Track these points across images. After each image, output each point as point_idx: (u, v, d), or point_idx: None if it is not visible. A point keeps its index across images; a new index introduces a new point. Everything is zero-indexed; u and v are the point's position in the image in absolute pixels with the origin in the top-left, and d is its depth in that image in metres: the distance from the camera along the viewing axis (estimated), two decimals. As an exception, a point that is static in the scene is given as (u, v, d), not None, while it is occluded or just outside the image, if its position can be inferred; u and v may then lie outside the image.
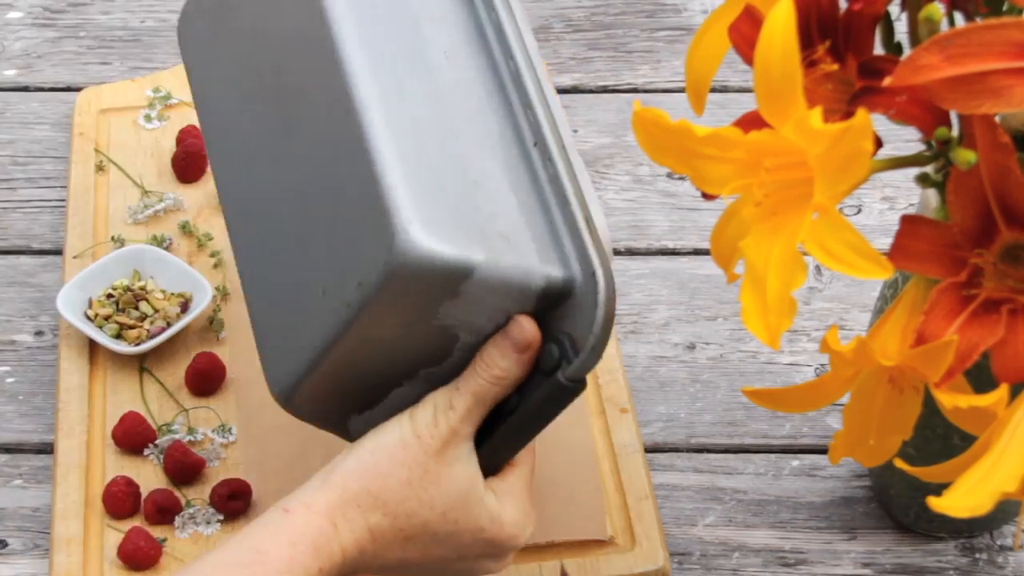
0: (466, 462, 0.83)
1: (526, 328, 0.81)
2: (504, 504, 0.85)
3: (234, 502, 0.99)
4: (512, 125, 0.86)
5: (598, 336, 0.80)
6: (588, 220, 0.82)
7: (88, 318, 1.10)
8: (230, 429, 1.05)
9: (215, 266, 1.14)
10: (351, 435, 0.88)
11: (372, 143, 0.80)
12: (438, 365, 0.84)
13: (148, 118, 1.26)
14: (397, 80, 0.84)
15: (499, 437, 0.85)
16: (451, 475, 0.82)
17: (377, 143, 0.80)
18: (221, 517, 0.99)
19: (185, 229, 1.17)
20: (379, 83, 0.83)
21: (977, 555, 1.01)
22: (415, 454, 0.82)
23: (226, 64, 0.93)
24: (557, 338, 0.82)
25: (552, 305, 0.82)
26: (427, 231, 0.77)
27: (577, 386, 0.82)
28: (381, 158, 0.80)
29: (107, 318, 1.09)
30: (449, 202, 0.81)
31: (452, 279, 0.79)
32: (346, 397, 0.87)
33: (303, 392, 0.86)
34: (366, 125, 0.81)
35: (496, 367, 0.82)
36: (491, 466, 0.86)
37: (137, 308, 1.10)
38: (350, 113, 0.81)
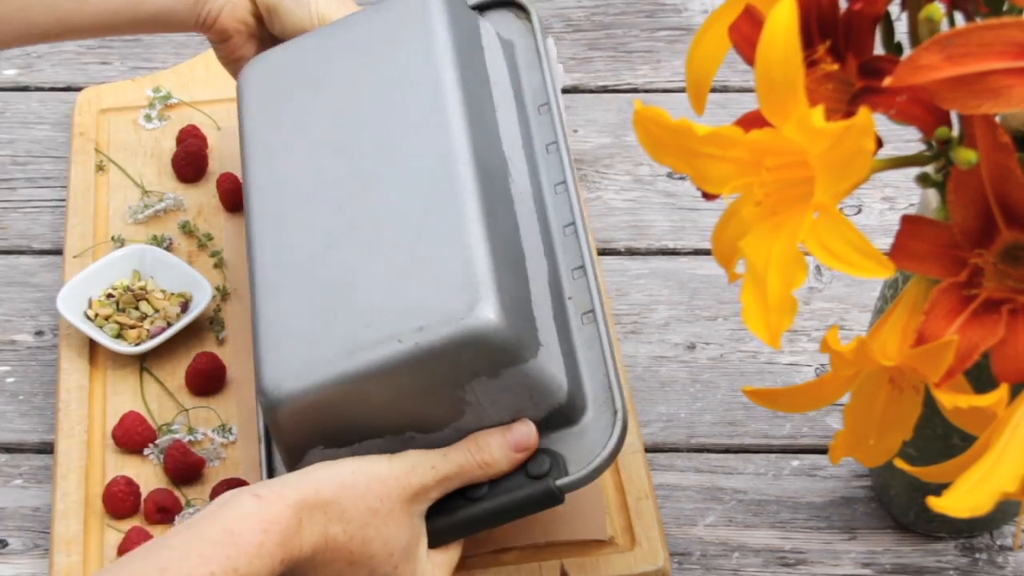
0: (420, 520, 0.88)
1: (530, 432, 0.88)
2: (435, 574, 0.89)
3: (234, 502, 0.99)
4: (549, 244, 0.95)
5: (604, 460, 0.88)
6: (615, 361, 0.90)
7: (88, 318, 1.10)
8: (230, 429, 1.05)
9: (215, 266, 1.14)
10: (301, 464, 0.89)
11: (470, 213, 0.88)
12: (427, 433, 0.88)
13: (148, 118, 1.26)
14: (491, 158, 0.93)
15: (462, 518, 0.89)
16: (410, 524, 0.87)
17: (474, 214, 0.88)
18: (221, 517, 0.99)
19: (185, 229, 1.17)
20: (480, 161, 0.91)
21: (977, 555, 1.01)
22: (390, 491, 0.85)
23: (294, 113, 0.98)
24: (548, 451, 0.88)
25: (553, 423, 0.89)
26: (503, 309, 0.85)
27: (560, 497, 0.88)
28: (477, 229, 0.87)
29: (107, 318, 1.10)
30: (516, 292, 0.88)
31: (503, 360, 0.85)
32: (327, 427, 0.88)
33: (297, 404, 0.87)
34: (468, 195, 0.89)
35: (488, 454, 0.88)
36: (439, 539, 0.89)
37: (137, 308, 1.10)
38: (454, 180, 0.89)
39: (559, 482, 0.88)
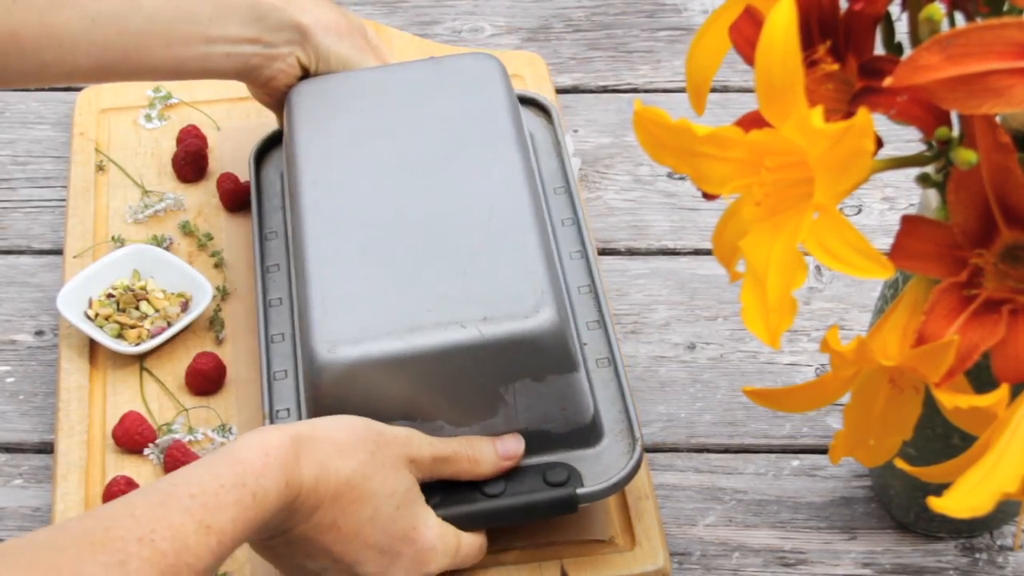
0: (414, 480, 0.90)
1: (519, 446, 0.94)
2: (441, 525, 0.91)
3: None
4: (569, 299, 1.02)
5: (623, 477, 0.93)
6: (632, 399, 0.97)
7: (88, 318, 1.10)
8: (230, 429, 1.05)
9: (215, 266, 1.14)
10: None
11: (529, 233, 0.96)
12: (456, 427, 0.93)
13: (148, 118, 1.26)
14: (540, 197, 1.02)
15: (479, 509, 0.92)
16: (407, 477, 0.89)
17: (532, 234, 0.96)
18: (221, 517, 0.99)
19: (185, 229, 1.17)
20: (533, 193, 1.00)
21: (977, 555, 1.01)
22: (388, 445, 0.88)
23: (350, 126, 1.04)
24: (566, 464, 0.94)
25: (573, 442, 0.95)
26: (560, 318, 0.91)
27: (575, 505, 0.93)
28: (535, 247, 0.95)
29: (107, 318, 1.10)
30: (565, 312, 0.95)
31: (553, 366, 0.92)
32: (368, 400, 0.91)
33: (347, 370, 0.89)
34: (527, 216, 0.97)
35: (479, 452, 0.92)
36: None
37: (137, 308, 1.10)
38: (516, 199, 0.98)
39: (580, 491, 0.92)
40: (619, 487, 0.94)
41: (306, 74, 1.09)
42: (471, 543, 0.93)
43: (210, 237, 1.16)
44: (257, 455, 0.81)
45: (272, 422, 0.96)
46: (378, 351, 0.90)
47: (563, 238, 1.07)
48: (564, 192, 1.10)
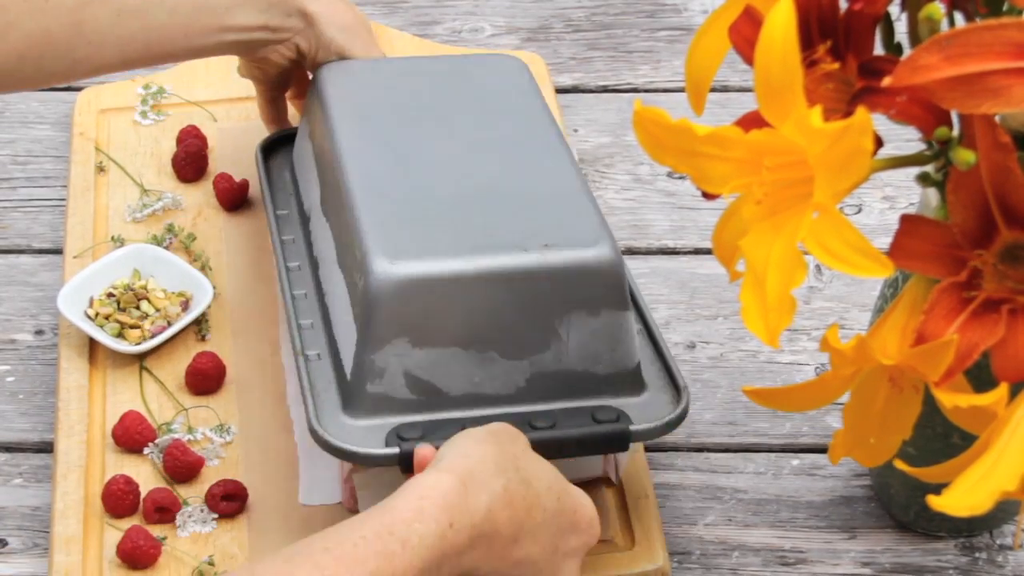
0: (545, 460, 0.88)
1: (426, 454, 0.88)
2: (584, 494, 0.88)
3: (228, 503, 0.99)
4: None
5: (674, 417, 0.94)
6: (672, 357, 0.98)
7: (88, 317, 1.10)
8: (229, 429, 1.05)
9: (201, 268, 1.14)
10: (376, 356, 0.91)
11: (580, 187, 0.98)
12: (507, 359, 0.92)
13: (144, 114, 1.26)
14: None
15: (533, 439, 0.89)
16: (541, 460, 0.87)
17: (583, 188, 0.98)
18: (216, 516, 0.99)
19: (171, 230, 1.16)
20: (574, 162, 1.02)
21: (977, 554, 1.01)
22: (515, 435, 0.87)
23: (385, 98, 1.06)
24: (614, 407, 0.94)
25: (619, 388, 0.95)
26: (615, 254, 0.93)
27: (627, 443, 0.93)
28: (586, 197, 0.97)
29: (107, 317, 1.10)
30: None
31: (609, 299, 0.92)
32: (424, 320, 0.90)
33: (407, 285, 0.89)
34: (575, 172, 0.99)
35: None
36: None
37: (138, 307, 1.10)
38: (560, 159, 1.00)
39: (632, 427, 0.92)
40: (671, 427, 0.93)
41: (302, 59, 1.11)
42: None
43: (193, 238, 1.16)
44: (411, 501, 0.79)
45: (304, 361, 0.96)
46: (441, 268, 0.90)
47: None
48: None
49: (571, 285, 0.92)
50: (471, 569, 0.81)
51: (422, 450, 0.87)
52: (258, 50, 1.10)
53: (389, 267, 0.89)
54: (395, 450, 0.89)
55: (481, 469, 0.82)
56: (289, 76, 1.14)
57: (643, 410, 0.94)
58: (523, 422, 0.91)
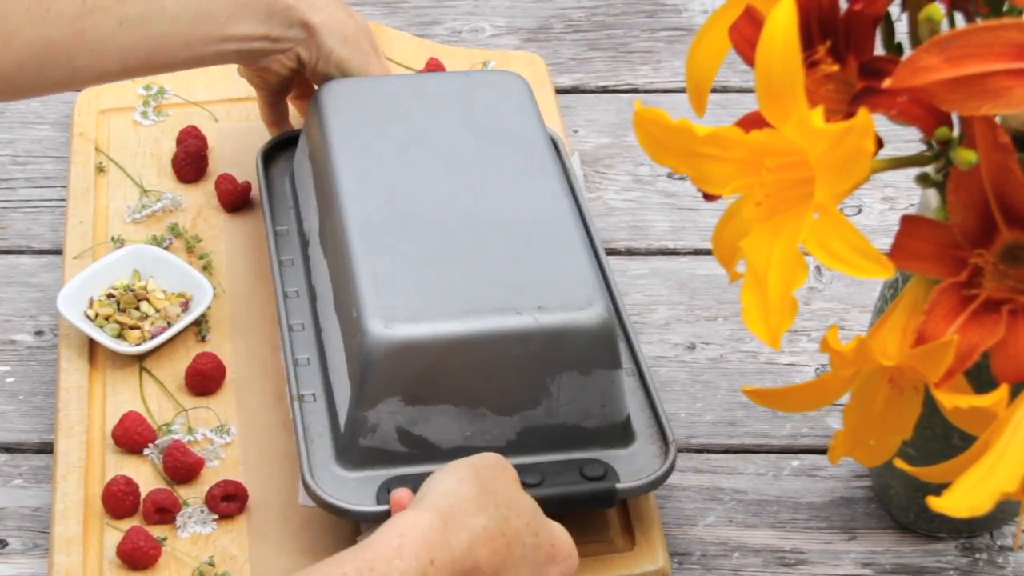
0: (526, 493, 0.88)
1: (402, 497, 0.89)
2: (560, 526, 0.89)
3: (228, 504, 0.99)
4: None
5: (660, 475, 0.95)
6: (662, 405, 0.99)
7: (88, 318, 1.10)
8: (229, 429, 1.05)
9: (204, 268, 1.14)
10: (368, 414, 0.92)
11: (575, 232, 0.98)
12: (497, 415, 0.94)
13: (144, 115, 1.26)
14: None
15: None
16: (521, 494, 0.88)
17: (578, 234, 0.98)
18: (216, 517, 0.99)
19: (175, 231, 1.16)
20: (571, 197, 1.03)
21: (977, 555, 1.01)
22: (493, 469, 0.87)
23: (384, 125, 1.06)
24: (602, 461, 0.95)
25: (607, 440, 0.96)
26: (608, 314, 0.93)
27: (613, 500, 0.94)
28: (581, 246, 0.97)
29: (107, 318, 1.09)
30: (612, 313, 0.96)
31: (600, 360, 0.93)
32: (418, 379, 0.92)
33: (402, 346, 0.91)
34: (571, 217, 0.99)
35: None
36: None
37: (138, 308, 1.10)
38: (557, 202, 1.00)
39: (619, 485, 0.94)
40: (656, 484, 0.95)
41: (302, 68, 1.11)
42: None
43: (198, 239, 1.16)
44: (392, 538, 0.80)
45: (299, 405, 0.97)
46: (436, 331, 0.91)
47: None
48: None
49: (563, 346, 0.93)
50: None
51: (399, 494, 0.89)
52: (259, 59, 1.10)
53: (384, 331, 0.91)
54: (386, 507, 0.91)
55: (461, 508, 0.82)
56: (290, 82, 1.14)
57: (631, 462, 0.96)
58: None
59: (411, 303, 0.93)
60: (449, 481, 0.85)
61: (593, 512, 0.99)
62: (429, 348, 0.91)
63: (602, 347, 0.94)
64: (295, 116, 1.20)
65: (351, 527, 0.97)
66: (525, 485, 0.91)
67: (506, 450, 0.94)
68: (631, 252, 1.20)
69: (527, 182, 1.02)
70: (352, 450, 0.94)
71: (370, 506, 0.92)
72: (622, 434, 0.97)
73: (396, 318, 0.91)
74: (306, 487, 0.93)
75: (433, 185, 1.01)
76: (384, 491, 0.92)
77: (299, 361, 1.01)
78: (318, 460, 0.95)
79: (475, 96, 1.10)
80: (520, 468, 0.92)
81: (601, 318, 0.93)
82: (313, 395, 0.99)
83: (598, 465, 0.95)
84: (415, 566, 0.79)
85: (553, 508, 0.91)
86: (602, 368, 0.94)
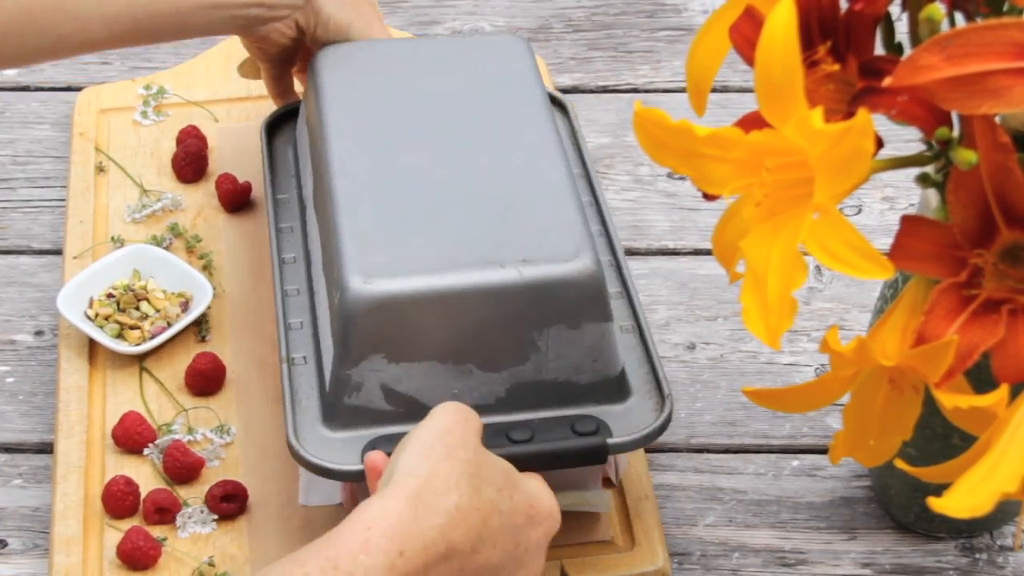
0: (493, 455, 0.85)
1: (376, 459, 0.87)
2: (538, 482, 0.86)
3: (227, 504, 0.99)
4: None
5: (654, 430, 0.92)
6: (660, 361, 0.97)
7: (88, 318, 1.10)
8: (229, 429, 1.05)
9: (204, 267, 1.14)
10: (352, 372, 0.91)
11: (565, 186, 0.97)
12: (485, 372, 0.92)
13: (144, 115, 1.26)
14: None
15: (509, 454, 0.88)
16: (490, 456, 0.84)
17: (568, 187, 0.96)
18: (216, 517, 0.99)
19: (175, 231, 1.16)
20: (565, 154, 1.01)
21: (977, 555, 1.01)
22: (464, 436, 0.83)
23: (378, 88, 1.05)
24: (595, 417, 0.93)
25: (601, 396, 0.94)
26: (597, 265, 0.91)
27: (604, 456, 0.92)
28: (571, 199, 0.96)
29: (107, 318, 1.09)
30: (599, 260, 0.93)
31: (589, 312, 0.91)
32: (400, 335, 0.90)
33: (382, 302, 0.89)
34: (562, 171, 0.98)
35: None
36: None
37: (138, 308, 1.10)
38: (550, 157, 0.99)
39: (611, 440, 0.91)
40: (650, 439, 0.92)
41: (302, 36, 1.10)
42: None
43: (198, 239, 1.16)
44: (357, 532, 0.76)
45: (289, 368, 0.96)
46: (415, 286, 0.89)
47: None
48: (583, 178, 1.10)
49: (550, 299, 0.91)
50: None
51: (372, 458, 0.87)
52: (255, 28, 1.08)
53: (363, 286, 0.89)
54: (362, 467, 0.89)
55: (431, 488, 0.79)
56: (293, 53, 1.12)
57: (625, 418, 0.94)
58: (500, 433, 0.91)
59: (392, 259, 0.91)
60: (414, 457, 0.81)
61: (593, 512, 0.99)
62: (410, 303, 0.89)
63: (590, 300, 0.91)
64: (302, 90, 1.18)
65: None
66: (514, 441, 0.90)
67: (496, 407, 0.92)
68: (631, 252, 1.20)
69: (520, 139, 1.00)
70: (337, 410, 0.92)
71: (354, 465, 0.90)
72: (616, 389, 0.94)
73: (376, 274, 0.90)
74: (290, 448, 0.91)
75: (424, 144, 1.00)
76: (370, 450, 0.90)
77: (292, 325, 0.99)
78: (304, 422, 0.93)
79: (473, 57, 1.08)
80: (510, 425, 0.91)
81: (588, 270, 0.91)
82: (304, 358, 0.97)
83: (590, 421, 0.92)
84: (383, 561, 0.75)
85: (543, 465, 0.90)
86: (591, 322, 0.92)
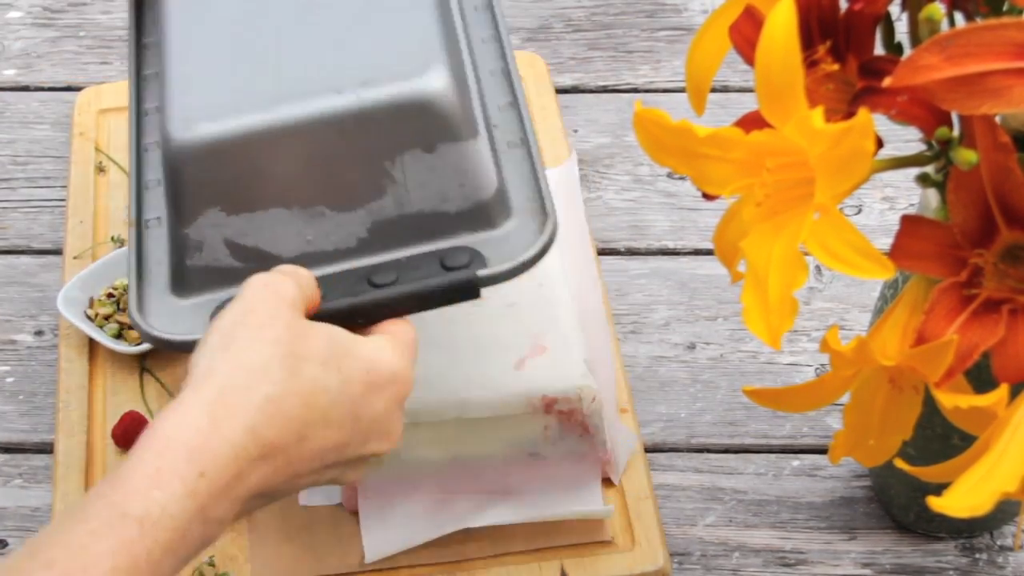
0: (321, 324, 0.76)
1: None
2: (379, 341, 0.77)
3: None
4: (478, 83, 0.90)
5: (531, 256, 0.82)
6: (546, 179, 0.86)
7: (88, 318, 1.10)
8: (230, 429, 1.05)
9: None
10: (191, 229, 0.82)
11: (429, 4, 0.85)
12: (339, 212, 0.83)
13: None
14: None
15: (370, 300, 0.81)
16: (311, 327, 0.74)
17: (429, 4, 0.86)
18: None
19: None
20: None
21: (977, 555, 1.01)
22: (268, 305, 0.74)
23: None
24: (467, 248, 0.82)
25: (475, 222, 0.84)
26: (453, 79, 0.81)
27: (477, 290, 0.81)
28: (430, 8, 0.85)
29: (107, 318, 1.10)
30: (460, 74, 0.84)
31: (444, 132, 0.81)
32: (234, 184, 0.81)
33: (207, 148, 0.80)
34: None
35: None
36: (348, 324, 0.79)
37: (137, 308, 1.10)
38: None
39: (480, 272, 0.81)
40: (527, 266, 0.82)
41: None
42: (405, 331, 0.79)
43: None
44: (148, 462, 0.66)
45: (136, 231, 0.87)
46: (240, 125, 0.80)
47: (475, 23, 0.94)
48: (486, 9, 0.96)
49: (397, 124, 0.81)
50: (262, 491, 0.70)
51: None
52: None
53: (184, 134, 0.80)
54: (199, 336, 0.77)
55: (232, 385, 0.69)
56: None
57: (504, 244, 0.83)
58: (363, 278, 0.81)
59: (217, 100, 0.82)
60: (212, 350, 0.71)
61: (590, 513, 0.99)
62: (239, 146, 0.80)
63: (444, 119, 0.81)
64: None
65: (352, 527, 0.97)
66: (376, 286, 0.81)
67: (359, 249, 0.83)
68: (631, 252, 1.20)
69: None
70: (183, 274, 0.83)
71: (201, 334, 0.76)
72: (491, 212, 0.84)
73: (198, 118, 0.80)
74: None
75: None
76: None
77: (148, 183, 0.89)
78: (152, 292, 0.84)
79: None
80: (376, 267, 0.82)
81: (439, 83, 0.81)
82: (159, 219, 0.87)
83: (462, 253, 0.82)
84: (180, 490, 0.65)
85: (411, 307, 0.81)
86: (450, 142, 0.82)
